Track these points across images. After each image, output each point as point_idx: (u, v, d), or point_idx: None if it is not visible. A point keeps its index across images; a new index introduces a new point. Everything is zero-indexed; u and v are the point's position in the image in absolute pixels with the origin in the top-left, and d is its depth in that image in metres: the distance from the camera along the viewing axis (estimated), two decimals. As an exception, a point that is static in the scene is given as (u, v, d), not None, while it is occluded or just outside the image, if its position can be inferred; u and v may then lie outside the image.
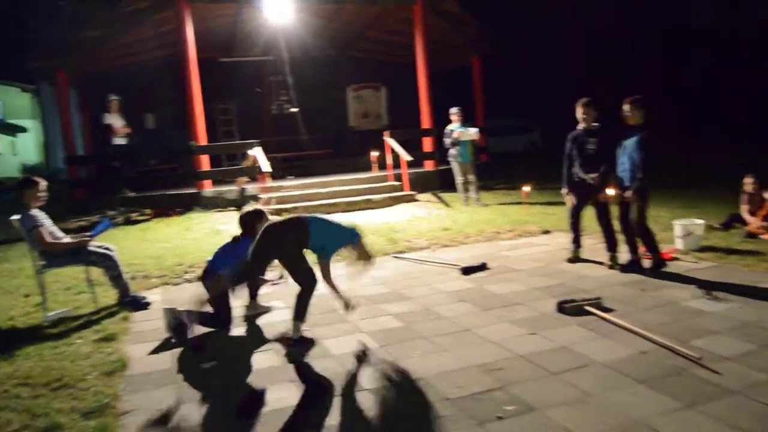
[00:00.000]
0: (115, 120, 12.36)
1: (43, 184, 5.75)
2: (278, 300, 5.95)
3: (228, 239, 5.54)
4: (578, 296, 5.39)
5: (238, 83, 17.38)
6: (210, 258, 5.54)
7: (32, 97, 27.93)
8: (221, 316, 5.21)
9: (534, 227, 8.98)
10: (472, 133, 11.37)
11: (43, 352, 4.66)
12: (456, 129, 11.42)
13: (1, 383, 4.09)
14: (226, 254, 5.36)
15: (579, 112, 6.78)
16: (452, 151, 11.53)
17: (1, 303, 6.19)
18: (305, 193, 11.96)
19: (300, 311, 4.70)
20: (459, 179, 11.66)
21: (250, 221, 5.26)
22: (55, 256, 5.66)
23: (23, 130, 28.29)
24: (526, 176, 13.84)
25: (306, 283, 4.69)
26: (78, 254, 5.71)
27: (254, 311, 5.60)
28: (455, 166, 11.63)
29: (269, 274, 5.95)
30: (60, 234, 5.87)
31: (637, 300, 5.42)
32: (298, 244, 4.69)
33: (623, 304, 5.30)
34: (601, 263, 6.73)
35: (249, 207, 5.46)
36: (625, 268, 6.40)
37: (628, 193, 6.34)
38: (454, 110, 11.67)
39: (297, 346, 4.62)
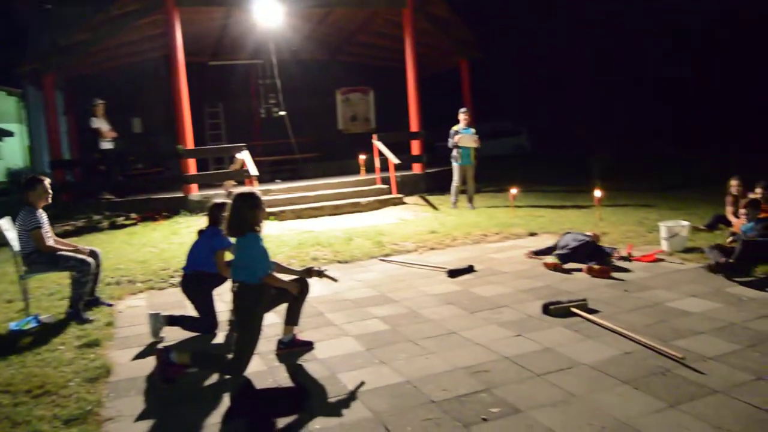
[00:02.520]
0: (101, 124, 12.28)
1: (47, 182, 5.72)
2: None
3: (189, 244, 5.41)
4: (563, 298, 5.41)
5: (227, 87, 17.33)
6: (184, 265, 5.38)
7: (18, 101, 27.69)
8: (205, 321, 5.18)
9: (521, 230, 9.00)
10: (473, 139, 11.42)
11: (25, 358, 4.61)
12: (461, 130, 11.46)
13: (-18, 390, 4.05)
14: (202, 248, 5.25)
15: None
16: (454, 153, 11.60)
17: (-16, 309, 6.13)
18: (292, 197, 11.93)
19: (293, 316, 4.65)
20: (456, 182, 11.68)
21: (216, 212, 5.30)
22: (37, 262, 5.60)
23: (9, 134, 28.05)
24: (514, 179, 13.89)
25: (300, 289, 4.60)
26: (57, 261, 5.64)
27: None
28: (455, 168, 11.66)
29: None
30: (51, 238, 5.83)
31: (621, 301, 5.44)
32: None
33: (608, 305, 5.32)
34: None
35: (216, 200, 5.54)
36: None
37: None
38: (462, 111, 11.71)
39: (290, 349, 4.59)
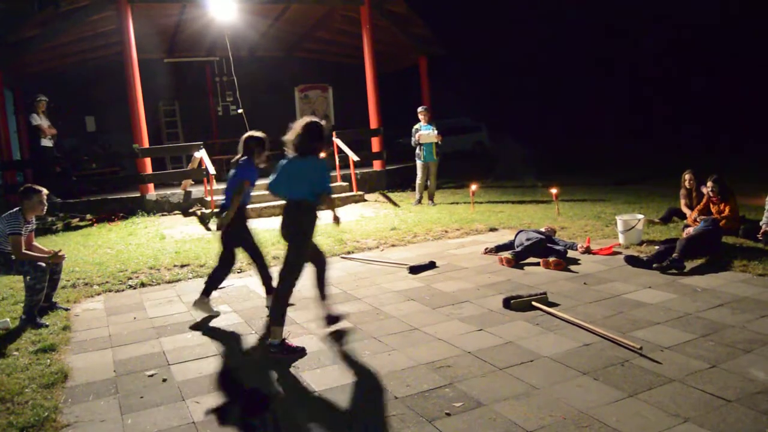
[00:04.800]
0: (42, 121, 11.96)
1: (45, 194, 5.59)
2: (225, 304, 5.87)
3: (232, 169, 5.61)
4: (524, 292, 5.48)
5: (183, 84, 17.06)
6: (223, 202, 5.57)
7: (-35, 100, 26.76)
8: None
9: (481, 225, 9.09)
10: (434, 135, 11.47)
11: (-23, 365, 4.47)
12: (422, 128, 11.51)
13: (-68, 399, 3.90)
14: (244, 171, 5.47)
15: None
16: (417, 151, 11.66)
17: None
18: (252, 196, 11.79)
19: (278, 313, 4.56)
20: (420, 179, 11.73)
21: (251, 143, 5.61)
22: None
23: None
24: (473, 175, 14.03)
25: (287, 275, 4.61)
26: (11, 265, 5.46)
27: (203, 309, 5.51)
28: (418, 165, 11.71)
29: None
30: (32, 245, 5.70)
31: (580, 294, 5.54)
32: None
33: (568, 298, 5.42)
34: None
35: (253, 132, 5.74)
36: None
37: None
38: (421, 109, 11.76)
39: (281, 354, 4.42)
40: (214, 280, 5.59)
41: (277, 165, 4.80)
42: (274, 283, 4.94)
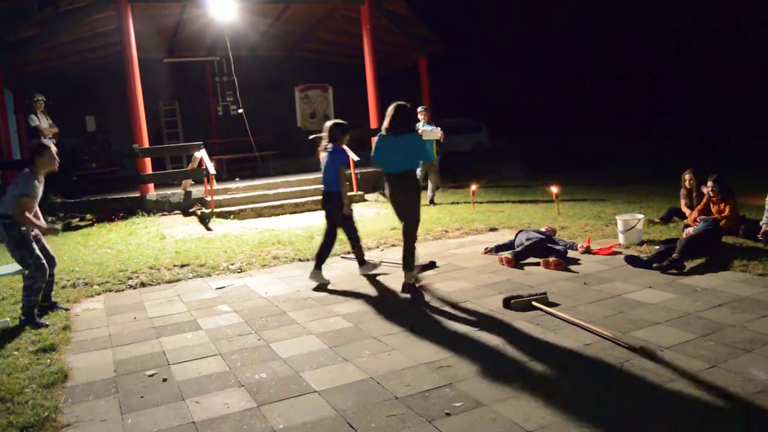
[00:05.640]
0: (41, 121, 11.94)
1: (54, 149, 5.57)
2: (225, 304, 5.87)
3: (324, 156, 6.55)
4: (524, 292, 5.48)
5: (183, 84, 17.05)
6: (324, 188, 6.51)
7: (-35, 100, 26.77)
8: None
9: (481, 225, 9.09)
10: (436, 132, 11.46)
11: (-24, 365, 4.47)
12: (422, 128, 11.49)
13: (-68, 399, 3.90)
14: (331, 170, 6.37)
15: None
16: None
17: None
18: (253, 195, 11.83)
19: (409, 262, 5.88)
20: (420, 180, 11.72)
21: (335, 130, 6.50)
22: (6, 228, 5.29)
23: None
24: (474, 175, 14.04)
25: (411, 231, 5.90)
26: (21, 246, 5.34)
27: (316, 279, 6.39)
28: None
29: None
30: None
31: (580, 294, 5.54)
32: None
33: (568, 298, 5.41)
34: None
35: (337, 120, 6.64)
36: None
37: None
38: (420, 109, 11.76)
39: (410, 291, 5.80)
40: (323, 254, 6.50)
41: (376, 142, 5.97)
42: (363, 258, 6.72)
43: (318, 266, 6.44)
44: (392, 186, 5.90)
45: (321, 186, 6.56)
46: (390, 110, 5.82)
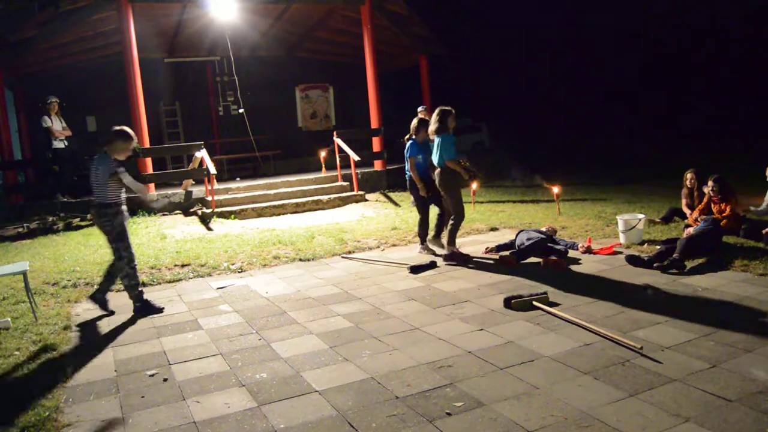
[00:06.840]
0: (54, 122, 11.96)
1: (135, 141, 5.74)
2: (225, 304, 5.87)
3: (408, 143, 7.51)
4: (525, 292, 5.47)
5: (184, 84, 17.05)
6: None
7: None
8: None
9: (482, 225, 9.09)
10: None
11: (-22, 365, 4.48)
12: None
13: (-67, 399, 3.91)
14: (409, 150, 7.41)
15: None
16: None
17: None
18: (253, 195, 11.83)
19: (452, 238, 7.14)
20: None
21: (418, 125, 7.44)
22: (107, 216, 5.66)
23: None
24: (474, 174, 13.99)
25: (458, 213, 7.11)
26: (125, 238, 5.63)
27: (436, 245, 7.47)
28: None
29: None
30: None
31: (581, 294, 5.53)
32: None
33: (568, 298, 5.41)
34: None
35: (421, 115, 7.91)
36: None
37: None
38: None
39: (452, 259, 6.99)
40: (423, 232, 7.59)
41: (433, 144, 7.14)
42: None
43: (437, 235, 7.53)
44: (436, 178, 7.15)
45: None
46: (434, 116, 7.08)
